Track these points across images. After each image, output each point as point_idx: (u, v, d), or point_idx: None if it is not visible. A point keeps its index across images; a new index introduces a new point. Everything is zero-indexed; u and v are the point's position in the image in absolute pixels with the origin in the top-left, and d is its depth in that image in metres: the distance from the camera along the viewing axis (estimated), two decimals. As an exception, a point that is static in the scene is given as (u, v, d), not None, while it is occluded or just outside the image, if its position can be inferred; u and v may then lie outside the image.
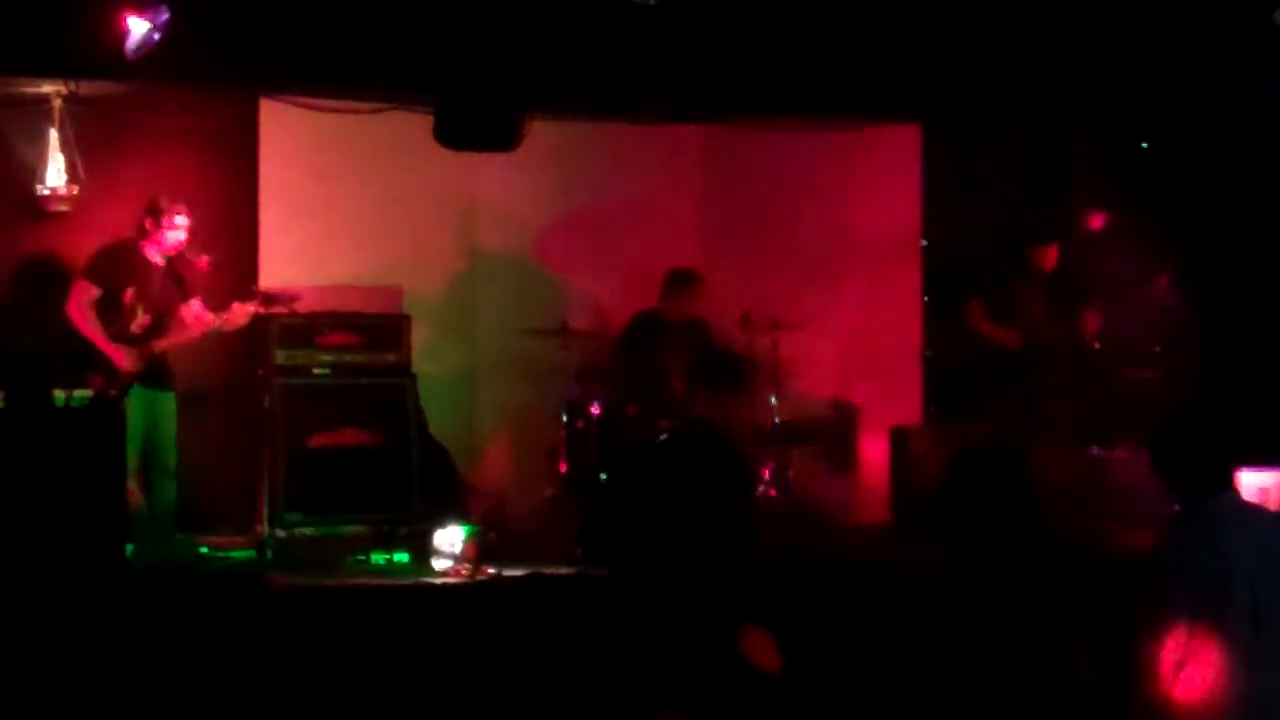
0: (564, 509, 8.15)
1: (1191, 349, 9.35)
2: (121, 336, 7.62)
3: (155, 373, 7.71)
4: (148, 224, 7.71)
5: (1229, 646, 4.13)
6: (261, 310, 7.85)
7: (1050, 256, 9.08)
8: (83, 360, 7.47)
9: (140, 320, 7.69)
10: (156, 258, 7.76)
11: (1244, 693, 4.14)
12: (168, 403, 7.82)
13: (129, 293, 7.66)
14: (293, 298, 7.92)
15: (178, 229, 7.72)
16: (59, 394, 7.05)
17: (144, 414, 7.64)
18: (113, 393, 7.44)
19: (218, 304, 7.89)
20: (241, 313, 7.79)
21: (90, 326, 7.56)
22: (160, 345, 7.73)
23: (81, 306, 7.57)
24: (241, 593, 6.72)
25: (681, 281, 8.97)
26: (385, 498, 7.99)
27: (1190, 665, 4.18)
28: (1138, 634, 4.28)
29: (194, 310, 7.83)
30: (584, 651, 6.25)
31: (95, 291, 7.60)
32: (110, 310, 7.62)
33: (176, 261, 7.81)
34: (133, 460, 7.44)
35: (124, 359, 7.56)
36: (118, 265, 7.69)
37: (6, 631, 5.96)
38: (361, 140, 9.06)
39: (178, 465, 7.86)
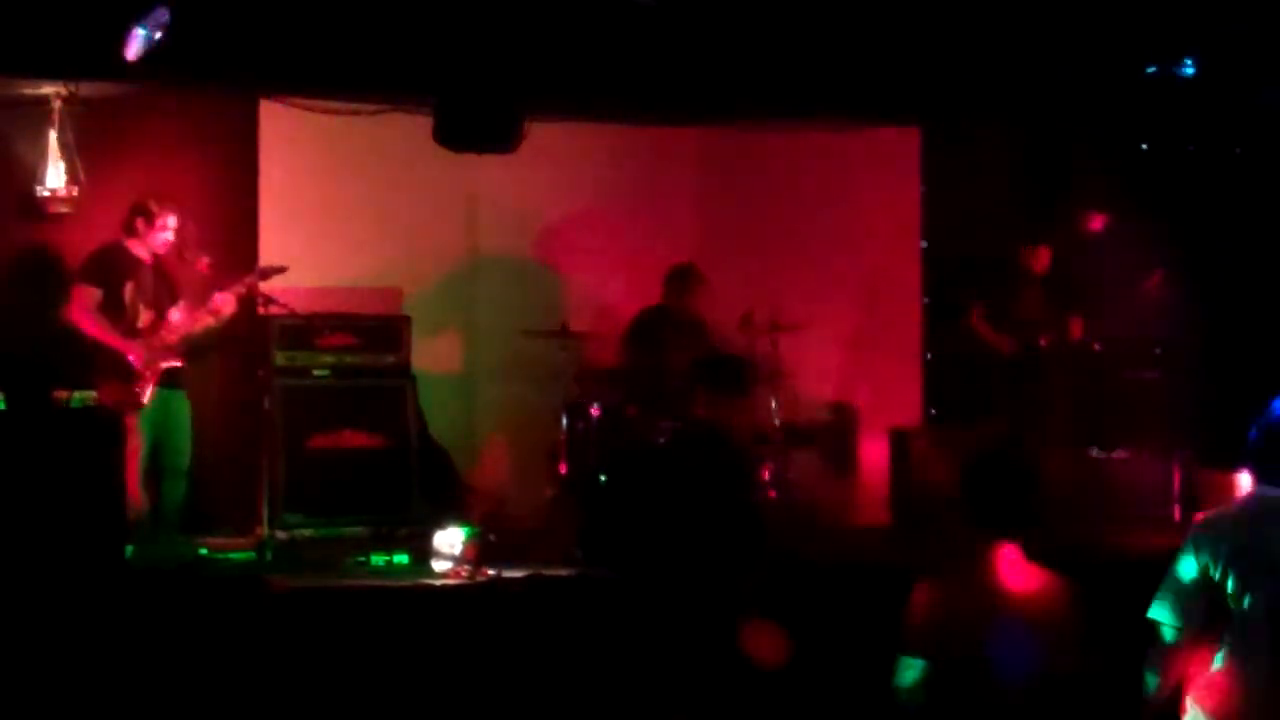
0: (564, 510, 8.14)
1: (1191, 350, 9.36)
2: (130, 334, 7.61)
3: (168, 371, 7.70)
4: (138, 224, 7.72)
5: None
6: (257, 285, 7.81)
7: (1043, 258, 9.08)
8: (93, 367, 7.46)
9: (143, 317, 7.68)
10: (145, 256, 7.75)
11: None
12: (180, 401, 7.81)
13: (127, 289, 7.66)
14: (281, 270, 7.89)
15: (166, 230, 7.72)
16: (59, 395, 7.04)
17: (156, 414, 7.63)
18: (136, 396, 7.44)
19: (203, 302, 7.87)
20: (224, 302, 7.75)
21: (98, 328, 7.54)
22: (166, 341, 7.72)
23: (85, 310, 7.56)
24: (241, 594, 6.72)
25: (684, 277, 8.97)
26: (385, 499, 7.99)
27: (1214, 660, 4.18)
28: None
29: (179, 315, 7.78)
30: (584, 653, 6.25)
31: (96, 294, 7.59)
32: (113, 310, 7.62)
33: (164, 262, 7.79)
34: (143, 461, 7.45)
35: (138, 355, 7.55)
36: (111, 264, 7.69)
37: (7, 632, 5.96)
38: (361, 140, 9.07)
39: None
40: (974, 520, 4.42)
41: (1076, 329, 8.97)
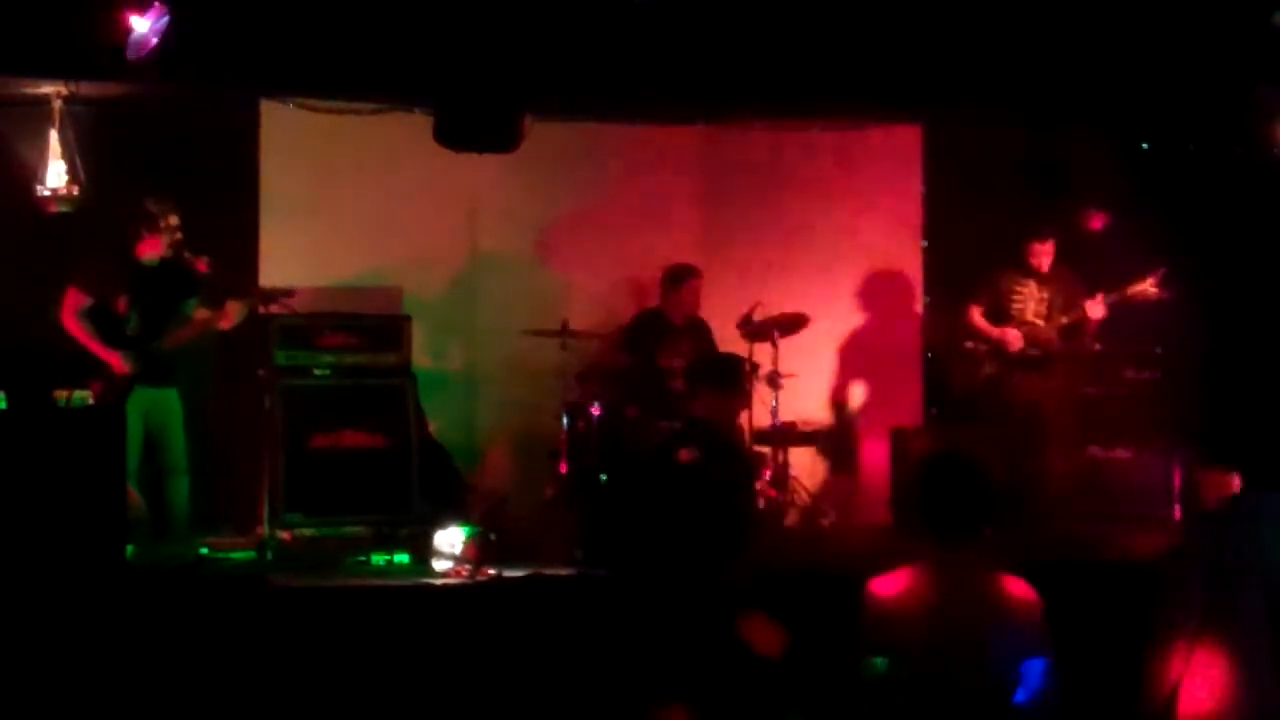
0: (564, 510, 8.15)
1: (1191, 350, 9.36)
2: (118, 340, 7.61)
3: (156, 370, 7.70)
4: (141, 228, 7.71)
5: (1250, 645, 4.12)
6: (259, 307, 7.85)
7: (1047, 252, 9.07)
8: (81, 365, 7.46)
9: (136, 324, 7.68)
10: (150, 260, 7.75)
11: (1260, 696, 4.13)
12: (171, 399, 7.81)
13: (121, 301, 7.66)
14: (289, 293, 7.91)
15: (170, 231, 7.70)
16: (59, 395, 7.04)
17: (143, 414, 7.64)
18: (111, 398, 7.43)
19: (216, 304, 7.88)
20: (234, 310, 7.78)
21: (84, 334, 7.55)
22: (158, 346, 7.72)
23: (73, 315, 7.56)
24: (242, 593, 6.72)
25: (679, 277, 8.97)
26: (386, 499, 7.98)
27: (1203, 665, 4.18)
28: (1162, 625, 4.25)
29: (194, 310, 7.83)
30: (584, 652, 6.25)
31: (87, 300, 7.60)
32: (105, 317, 7.62)
33: (173, 261, 7.79)
34: (132, 461, 7.44)
35: (121, 363, 7.55)
36: (109, 274, 7.68)
37: (7, 632, 5.96)
38: (361, 140, 9.07)
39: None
40: (921, 527, 4.41)
41: (1094, 313, 8.91)
